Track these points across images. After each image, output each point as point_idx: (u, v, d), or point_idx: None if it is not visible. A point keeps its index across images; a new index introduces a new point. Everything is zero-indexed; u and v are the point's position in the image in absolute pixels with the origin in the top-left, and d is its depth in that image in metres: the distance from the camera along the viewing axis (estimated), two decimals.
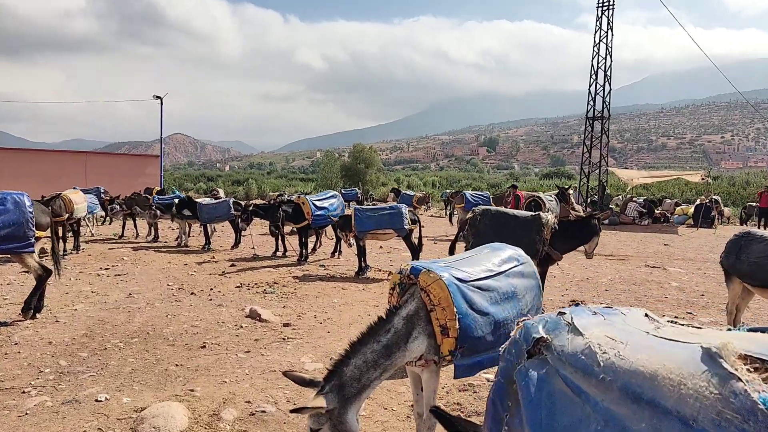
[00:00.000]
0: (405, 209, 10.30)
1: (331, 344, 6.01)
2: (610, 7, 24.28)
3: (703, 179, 23.26)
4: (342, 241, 11.39)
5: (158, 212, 15.50)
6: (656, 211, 25.02)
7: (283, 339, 6.23)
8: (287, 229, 13.27)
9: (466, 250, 7.50)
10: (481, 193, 18.88)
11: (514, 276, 3.64)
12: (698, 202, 23.47)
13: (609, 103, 24.93)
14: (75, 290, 8.84)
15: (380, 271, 10.97)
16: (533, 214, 7.27)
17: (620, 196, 29.29)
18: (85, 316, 7.16)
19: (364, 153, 55.30)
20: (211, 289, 8.97)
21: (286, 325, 6.77)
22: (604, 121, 25.21)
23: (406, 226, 10.10)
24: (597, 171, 25.30)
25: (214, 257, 12.83)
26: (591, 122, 25.75)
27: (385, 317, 3.12)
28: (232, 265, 11.60)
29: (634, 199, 25.03)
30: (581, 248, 7.39)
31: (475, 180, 70.82)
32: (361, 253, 10.42)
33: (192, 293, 8.65)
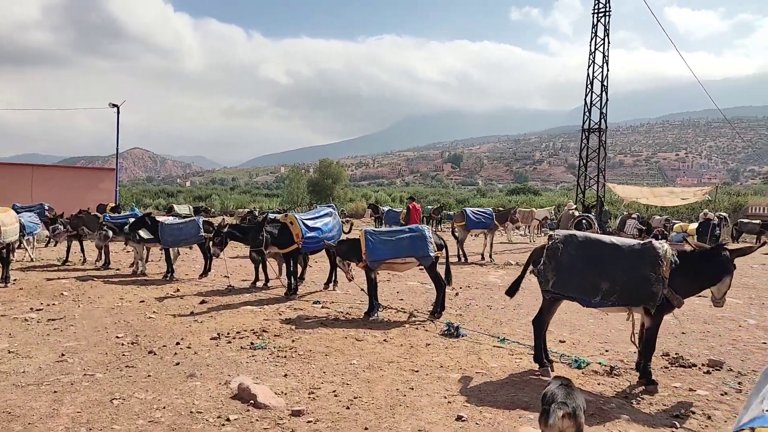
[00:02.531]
0: (429, 231, 8.15)
1: None
2: (607, 13, 22.96)
3: (704, 196, 21.93)
4: (341, 271, 9.13)
5: (110, 233, 12.89)
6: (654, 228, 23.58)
7: None
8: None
9: (544, 290, 5.41)
10: (483, 209, 16.85)
11: None
12: (702, 219, 22.09)
13: (606, 114, 23.48)
14: None
15: (391, 309, 8.75)
16: (644, 242, 5.23)
17: (609, 213, 27.86)
18: None
19: (331, 168, 53.33)
20: (178, 343, 6.58)
21: (296, 414, 4.48)
22: (602, 132, 23.71)
23: (431, 254, 7.93)
24: (595, 185, 23.71)
25: (178, 290, 10.38)
26: (587, 134, 24.23)
27: None
28: (203, 302, 9.19)
29: (633, 215, 23.52)
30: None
31: (442, 195, 69.76)
32: (373, 288, 8.18)
33: (150, 351, 6.24)
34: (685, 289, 5.11)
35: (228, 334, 7.06)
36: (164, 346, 6.50)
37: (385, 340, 6.83)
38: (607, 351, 6.56)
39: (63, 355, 6.09)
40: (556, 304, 5.62)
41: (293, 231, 9.84)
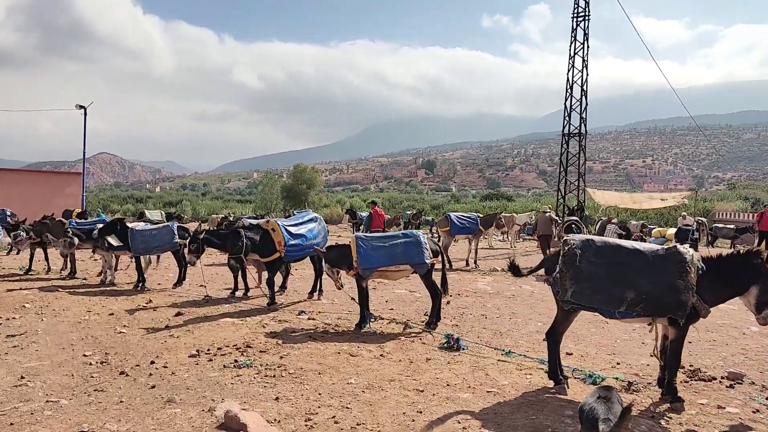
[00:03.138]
0: (424, 237, 7.67)
1: None
2: (586, 17, 22.96)
3: (683, 200, 22.04)
4: (329, 279, 8.58)
5: (76, 240, 12.06)
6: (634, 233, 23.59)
7: None
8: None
9: (561, 300, 4.98)
10: (468, 214, 16.48)
11: None
12: (681, 224, 22.21)
13: (586, 118, 23.43)
14: None
15: (383, 320, 8.24)
16: (669, 248, 4.85)
17: (589, 218, 27.84)
18: None
19: (305, 173, 52.59)
20: (152, 362, 5.95)
21: None
22: (582, 137, 23.65)
23: (427, 260, 7.45)
24: (575, 190, 23.60)
25: (151, 301, 9.67)
26: (567, 139, 24.14)
27: None
28: (179, 314, 8.53)
29: (613, 220, 23.49)
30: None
31: (416, 201, 69.71)
32: (364, 298, 7.66)
33: (122, 372, 5.60)
34: (710, 297, 4.73)
35: (208, 350, 6.45)
36: (137, 365, 5.86)
37: (381, 355, 6.31)
38: (618, 364, 6.17)
39: (23, 377, 5.41)
40: (573, 315, 5.20)
41: (275, 238, 9.26)
